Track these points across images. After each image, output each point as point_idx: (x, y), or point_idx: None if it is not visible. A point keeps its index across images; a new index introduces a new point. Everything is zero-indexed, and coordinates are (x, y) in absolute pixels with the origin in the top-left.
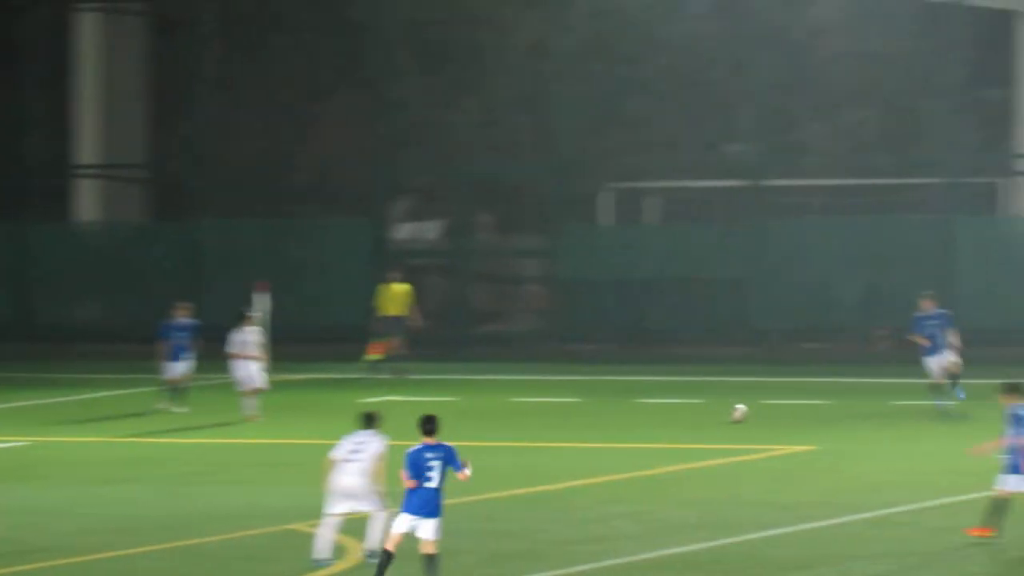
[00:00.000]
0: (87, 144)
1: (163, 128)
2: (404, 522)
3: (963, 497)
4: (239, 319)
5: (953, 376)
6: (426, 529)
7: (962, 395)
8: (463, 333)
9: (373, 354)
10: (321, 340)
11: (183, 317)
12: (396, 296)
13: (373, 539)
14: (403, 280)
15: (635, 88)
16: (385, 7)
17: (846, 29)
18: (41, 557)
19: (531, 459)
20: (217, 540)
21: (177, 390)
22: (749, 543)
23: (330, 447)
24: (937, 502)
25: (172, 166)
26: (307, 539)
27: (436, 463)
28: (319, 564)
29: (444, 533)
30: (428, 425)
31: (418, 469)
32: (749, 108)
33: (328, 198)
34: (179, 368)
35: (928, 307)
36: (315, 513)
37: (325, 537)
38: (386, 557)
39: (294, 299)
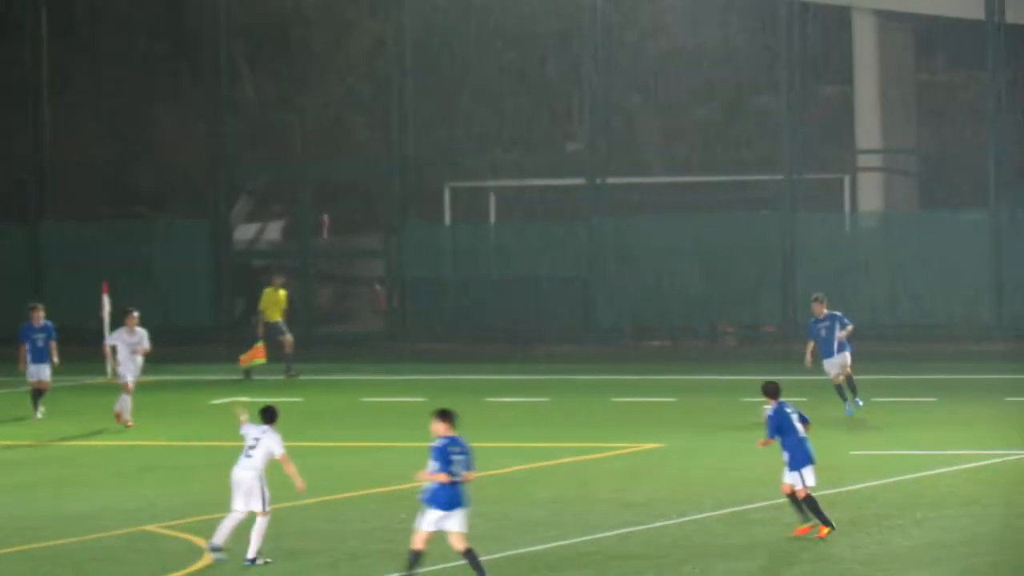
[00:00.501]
0: None
1: (3, 131)
2: (432, 519)
3: (817, 494)
4: (123, 316)
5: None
6: (455, 522)
7: (859, 403)
8: (308, 333)
9: (254, 359)
10: (164, 342)
11: (39, 319)
12: (280, 301)
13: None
14: (283, 285)
15: (474, 87)
16: (220, 8)
17: (684, 26)
18: None
19: (379, 459)
20: (73, 542)
21: (38, 394)
22: (602, 541)
23: (182, 449)
24: None
25: (12, 168)
26: (161, 540)
27: (460, 457)
28: (209, 548)
29: (293, 534)
30: (448, 419)
31: (446, 463)
32: (587, 106)
33: (169, 199)
34: (42, 371)
35: (818, 310)
36: (168, 515)
37: (225, 526)
38: (415, 556)
39: (136, 300)
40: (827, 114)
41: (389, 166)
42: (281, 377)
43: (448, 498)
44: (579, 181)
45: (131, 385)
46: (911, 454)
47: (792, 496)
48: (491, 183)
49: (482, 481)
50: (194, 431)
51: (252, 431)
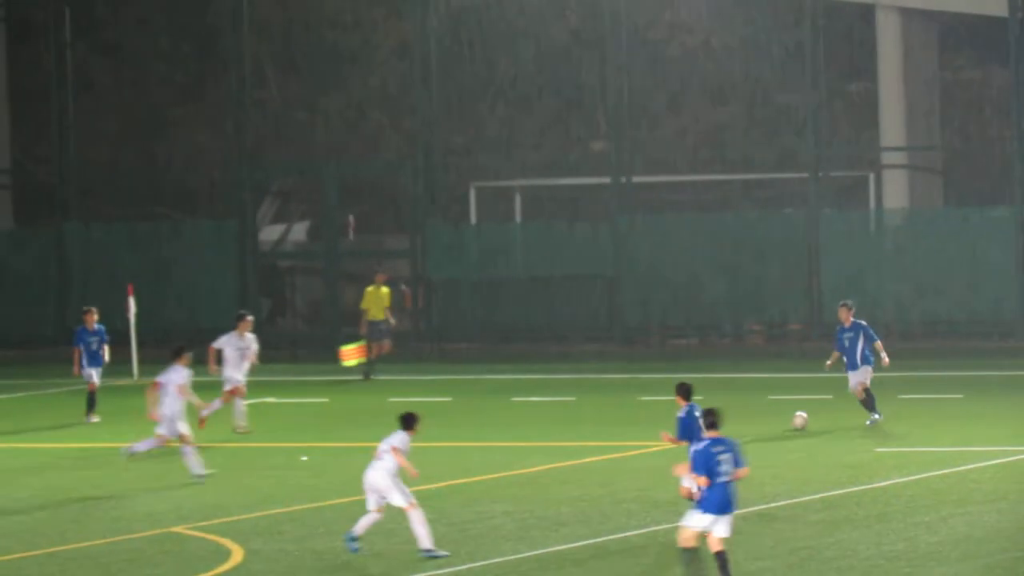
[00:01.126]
0: None
1: (26, 133)
2: (701, 520)
3: (843, 491)
4: (237, 320)
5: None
6: (722, 527)
7: (876, 417)
8: (333, 334)
9: (355, 358)
10: (189, 343)
11: (93, 322)
12: (383, 298)
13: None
14: (386, 282)
15: (498, 87)
16: (243, 8)
17: (708, 24)
18: None
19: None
20: (101, 544)
21: (92, 397)
22: (629, 539)
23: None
24: (818, 496)
25: (37, 170)
26: (188, 542)
27: (726, 456)
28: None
29: (320, 535)
30: (712, 418)
31: (708, 466)
32: (612, 105)
33: (194, 200)
34: (96, 374)
35: (845, 317)
36: (195, 516)
37: (364, 522)
38: (689, 554)
39: (161, 302)
40: (857, 110)
41: (414, 166)
42: (359, 377)
43: (720, 501)
44: (604, 180)
45: (242, 389)
46: (937, 451)
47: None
48: (516, 182)
49: (508, 480)
50: (221, 432)
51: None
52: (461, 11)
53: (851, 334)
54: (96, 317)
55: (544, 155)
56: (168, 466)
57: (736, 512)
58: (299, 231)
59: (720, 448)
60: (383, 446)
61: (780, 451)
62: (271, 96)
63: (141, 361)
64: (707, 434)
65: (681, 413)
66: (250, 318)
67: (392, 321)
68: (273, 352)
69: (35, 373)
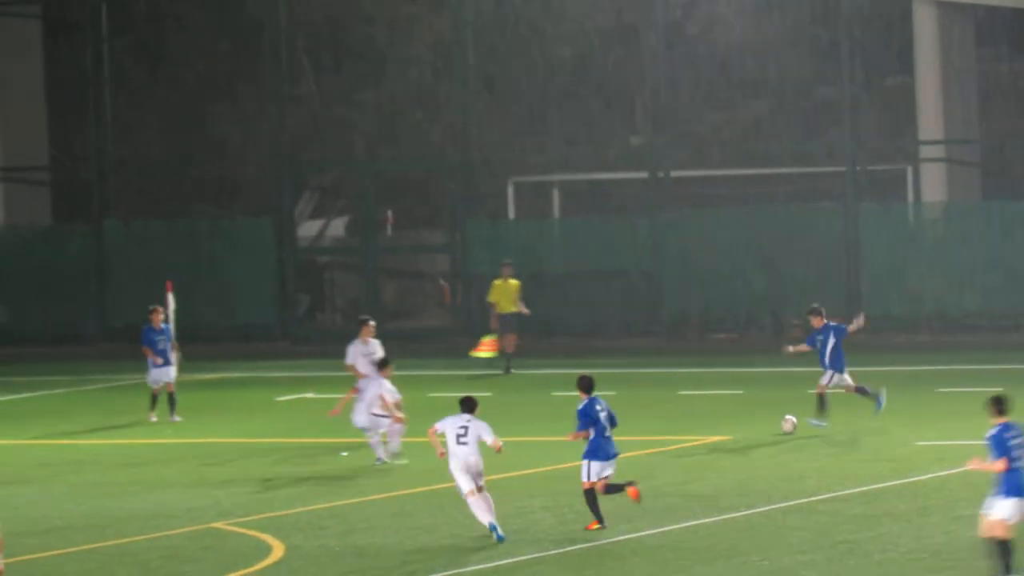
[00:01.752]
0: None
1: (64, 130)
2: (1006, 507)
3: (883, 485)
4: (360, 326)
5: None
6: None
7: (815, 423)
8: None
9: (486, 351)
10: (227, 339)
11: (159, 321)
12: (512, 291)
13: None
14: (513, 275)
15: (537, 81)
16: (280, 4)
17: (745, 17)
18: None
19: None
20: (140, 540)
21: (157, 397)
22: (670, 533)
23: (247, 446)
24: (857, 490)
25: (75, 167)
26: (228, 538)
27: (1018, 440)
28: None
29: (362, 530)
30: (1000, 405)
31: (1005, 450)
32: (649, 100)
33: (232, 197)
34: (165, 373)
35: (815, 322)
36: (235, 512)
37: (479, 508)
38: (1004, 546)
39: (200, 298)
40: (894, 103)
41: (452, 161)
42: (500, 372)
43: (1020, 485)
44: (642, 175)
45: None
46: (976, 444)
47: (600, 490)
48: (554, 177)
49: (548, 475)
50: (260, 428)
51: (456, 421)
52: (498, 5)
53: (822, 336)
54: (162, 316)
55: (582, 150)
56: (207, 462)
57: (777, 506)
58: (337, 227)
59: (1012, 433)
60: (473, 428)
61: (820, 445)
62: (309, 92)
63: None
64: (997, 420)
65: (580, 405)
66: (372, 323)
67: (525, 311)
68: (312, 348)
69: (74, 370)
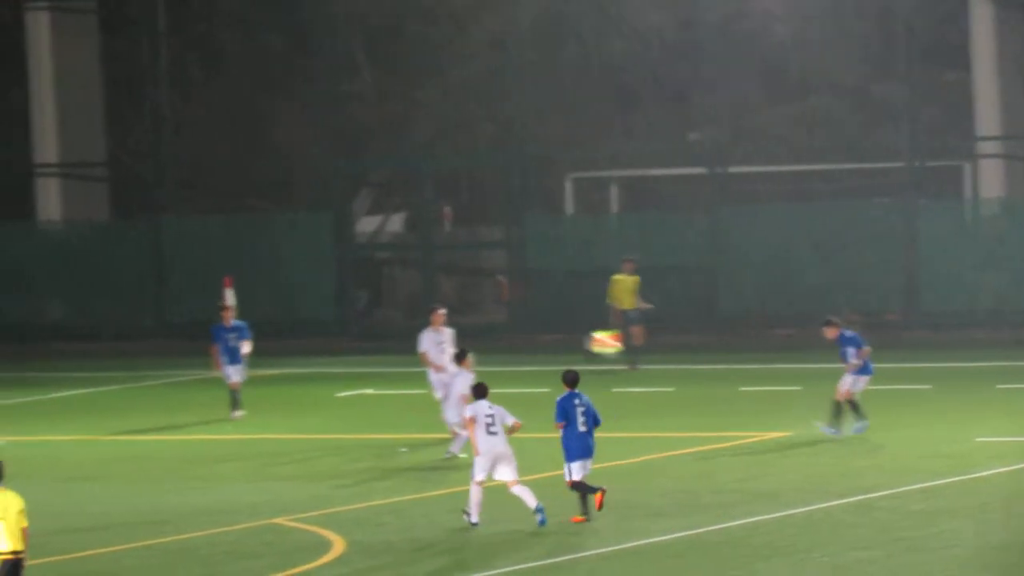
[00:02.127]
0: (47, 143)
1: (122, 126)
2: None
3: (943, 481)
4: (430, 314)
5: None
6: None
7: (829, 431)
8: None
9: (606, 347)
10: (287, 335)
11: (230, 319)
12: (630, 287)
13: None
14: (634, 271)
15: (594, 78)
16: (338, 3)
17: (803, 13)
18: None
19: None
20: (201, 536)
21: (230, 393)
22: (729, 530)
23: (307, 442)
24: (917, 486)
25: (133, 164)
26: (289, 534)
27: None
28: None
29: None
30: None
31: None
32: (708, 96)
33: (290, 193)
34: (236, 371)
35: (831, 335)
36: (295, 508)
37: (524, 495)
38: None
39: (258, 294)
40: (951, 98)
41: (509, 157)
42: (624, 368)
43: None
44: (700, 170)
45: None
46: None
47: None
48: (612, 173)
49: (607, 471)
50: (320, 424)
51: (481, 408)
52: (555, 1)
53: (841, 347)
54: (233, 313)
55: (640, 146)
56: (267, 459)
57: (836, 502)
58: (396, 223)
59: None
60: (498, 415)
61: (879, 441)
62: (367, 88)
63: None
64: None
65: (559, 398)
66: (443, 311)
67: (645, 306)
68: (371, 344)
69: (132, 366)
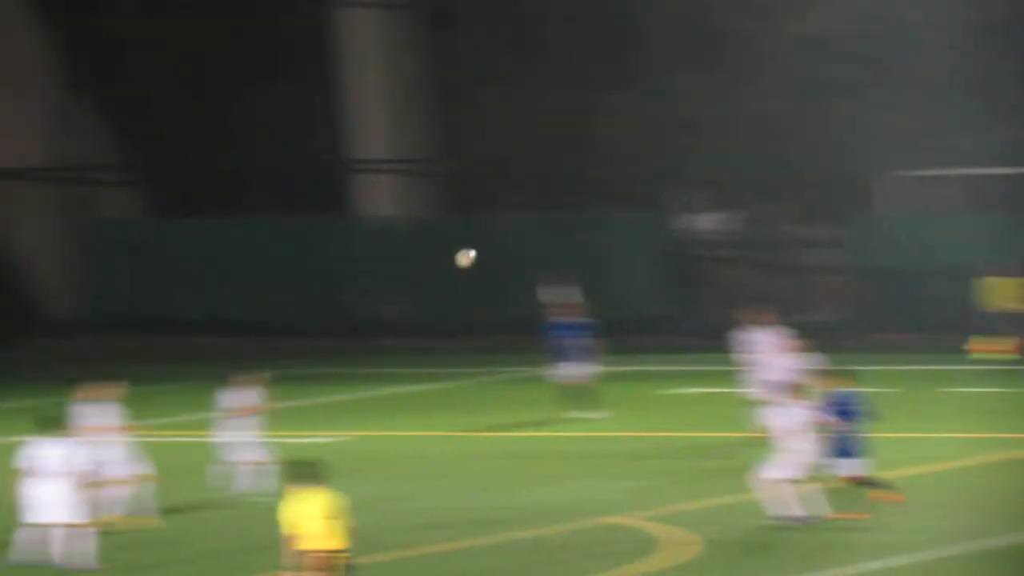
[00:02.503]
0: (368, 139)
1: (444, 124)
2: None
3: None
4: (759, 312)
5: None
6: None
7: None
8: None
9: (989, 351)
10: (613, 332)
11: (570, 316)
12: (1010, 288)
13: None
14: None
15: (913, 75)
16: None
17: None
18: (380, 550)
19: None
20: (550, 533)
21: (572, 392)
22: None
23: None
24: None
25: (455, 161)
26: (629, 531)
27: None
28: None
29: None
30: None
31: None
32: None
33: (612, 191)
34: (579, 369)
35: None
36: (632, 505)
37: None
38: None
39: (585, 292)
40: None
41: (837, 155)
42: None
43: None
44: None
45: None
46: None
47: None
48: (949, 171)
49: (941, 473)
50: (650, 422)
51: (798, 410)
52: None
53: None
54: (576, 311)
55: (975, 144)
56: (602, 456)
57: None
58: (724, 220)
59: None
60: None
61: None
62: (688, 86)
63: None
64: None
65: (838, 393)
66: (772, 310)
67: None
68: (699, 341)
69: (466, 362)
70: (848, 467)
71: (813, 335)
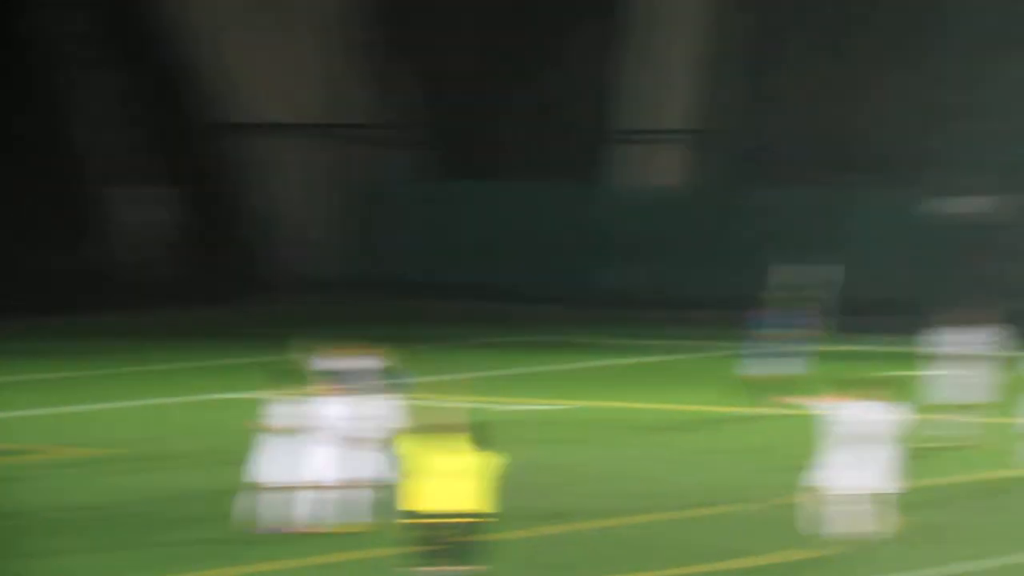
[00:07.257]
0: (633, 108)
1: (709, 94)
2: None
3: None
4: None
5: None
6: None
7: None
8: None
9: None
10: (863, 312)
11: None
12: None
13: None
14: None
15: None
16: None
17: None
18: (569, 520)
19: None
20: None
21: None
22: None
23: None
24: None
25: (716, 133)
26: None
27: None
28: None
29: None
30: None
31: None
32: None
33: (874, 168)
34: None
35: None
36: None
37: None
38: None
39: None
40: None
41: None
42: None
43: None
44: None
45: None
46: None
47: None
48: None
49: None
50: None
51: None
52: None
53: None
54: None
55: None
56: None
57: None
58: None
59: None
60: None
61: None
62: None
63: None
64: None
65: None
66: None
67: None
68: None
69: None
70: None
71: None
